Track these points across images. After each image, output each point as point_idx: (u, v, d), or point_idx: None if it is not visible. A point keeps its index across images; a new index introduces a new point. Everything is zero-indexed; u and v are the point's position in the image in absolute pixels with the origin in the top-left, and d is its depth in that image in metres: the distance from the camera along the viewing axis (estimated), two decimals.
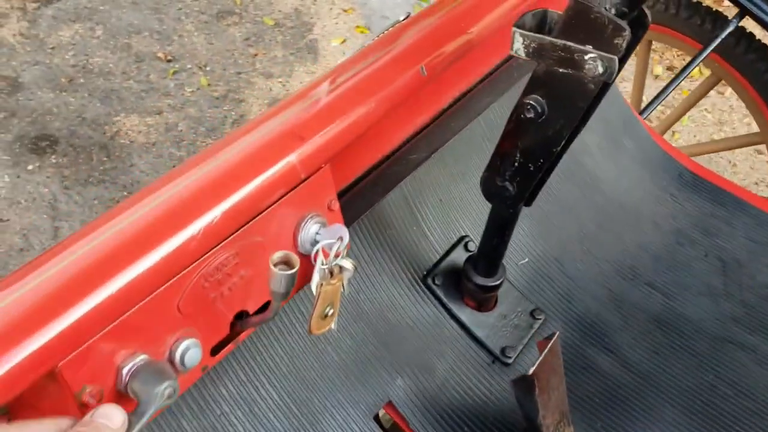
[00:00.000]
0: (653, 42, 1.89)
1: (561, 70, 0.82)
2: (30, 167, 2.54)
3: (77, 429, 0.52)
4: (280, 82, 3.01)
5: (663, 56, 3.22)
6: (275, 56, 3.14)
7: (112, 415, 0.54)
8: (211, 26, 3.25)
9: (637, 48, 1.90)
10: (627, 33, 0.75)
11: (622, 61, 0.80)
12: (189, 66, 3.04)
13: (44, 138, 2.64)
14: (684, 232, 1.35)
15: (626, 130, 1.46)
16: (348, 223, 1.05)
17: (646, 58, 1.88)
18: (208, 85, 2.96)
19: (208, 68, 3.04)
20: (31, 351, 0.55)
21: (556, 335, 0.96)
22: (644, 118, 1.67)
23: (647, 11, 0.84)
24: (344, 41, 3.25)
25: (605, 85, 0.82)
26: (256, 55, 3.13)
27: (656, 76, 3.09)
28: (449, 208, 1.20)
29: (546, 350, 0.94)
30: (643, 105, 1.80)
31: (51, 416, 0.54)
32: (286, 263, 0.66)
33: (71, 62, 2.98)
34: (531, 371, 0.91)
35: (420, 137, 1.13)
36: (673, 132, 2.88)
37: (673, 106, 2.73)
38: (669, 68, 3.17)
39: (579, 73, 0.80)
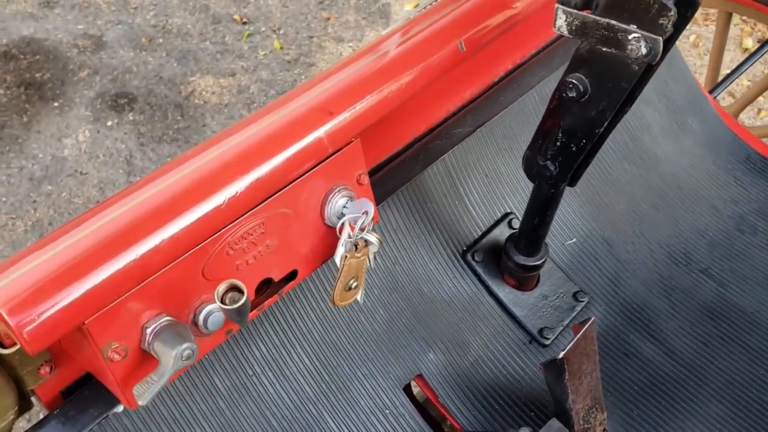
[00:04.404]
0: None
1: (604, 49, 0.79)
2: (109, 123, 2.65)
3: None
4: (351, 46, 3.01)
5: (755, 28, 3.03)
6: (347, 20, 3.14)
7: None
8: None
9: (717, 18, 1.80)
10: (673, 13, 0.71)
11: (669, 42, 0.76)
12: (263, 29, 3.08)
13: (123, 96, 2.75)
14: (746, 219, 1.29)
15: (692, 108, 1.39)
16: (388, 194, 1.06)
17: (724, 31, 1.77)
18: (281, 48, 2.99)
19: (281, 31, 3.07)
20: (59, 308, 0.59)
21: (591, 320, 0.94)
22: (716, 95, 1.59)
23: None
24: (417, 5, 3.21)
25: (650, 66, 0.79)
26: (328, 18, 3.14)
27: (745, 50, 2.91)
28: (495, 184, 1.18)
29: (579, 335, 0.93)
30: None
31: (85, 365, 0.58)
32: (236, 289, 0.65)
33: (152, 22, 3.07)
34: (561, 355, 0.90)
35: (467, 111, 1.12)
36: (759, 109, 2.72)
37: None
38: (761, 41, 2.98)
39: (622, 54, 0.77)
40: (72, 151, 2.54)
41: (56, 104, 2.69)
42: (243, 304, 0.63)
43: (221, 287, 0.63)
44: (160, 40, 2.99)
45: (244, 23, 3.09)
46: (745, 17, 2.89)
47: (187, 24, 3.07)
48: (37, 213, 2.37)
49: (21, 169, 2.47)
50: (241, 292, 0.64)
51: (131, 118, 2.68)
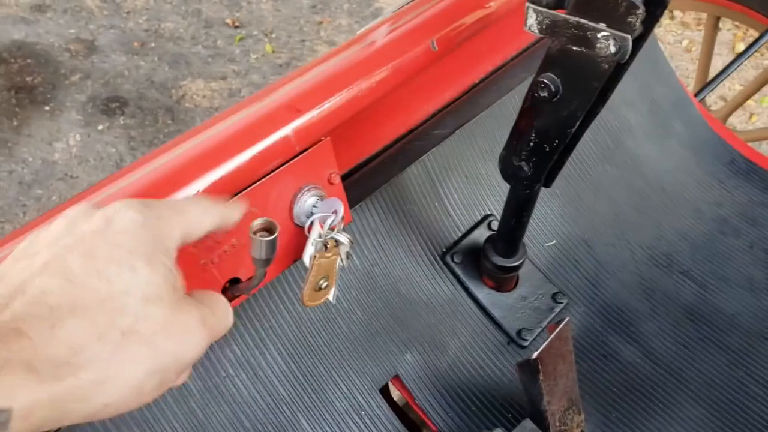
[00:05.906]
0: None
1: (574, 48, 0.79)
2: (100, 127, 2.65)
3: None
4: None
5: (748, 33, 3.03)
6: (340, 24, 3.14)
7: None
8: None
9: (704, 23, 1.80)
10: (641, 11, 0.71)
11: (639, 41, 0.76)
12: (255, 32, 3.08)
13: (115, 99, 2.75)
14: (729, 221, 1.28)
15: (676, 111, 1.39)
16: (366, 195, 1.05)
17: (712, 34, 1.77)
18: (273, 52, 2.99)
19: (273, 35, 3.08)
20: None
21: (565, 321, 0.93)
22: (702, 98, 1.59)
23: None
24: None
25: (620, 66, 0.79)
26: (321, 22, 3.14)
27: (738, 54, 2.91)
28: (475, 185, 1.18)
29: (553, 335, 0.93)
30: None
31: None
32: (267, 230, 0.66)
33: (144, 27, 3.07)
34: (535, 355, 0.90)
35: (446, 112, 1.11)
36: (751, 114, 2.72)
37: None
38: None
39: (592, 52, 0.77)
40: (62, 155, 2.54)
41: (47, 108, 2.69)
42: (274, 239, 0.63)
43: (257, 222, 0.63)
44: (152, 45, 2.99)
45: (237, 27, 3.10)
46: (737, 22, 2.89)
47: (180, 28, 3.07)
48: (27, 217, 2.36)
49: (10, 173, 2.47)
50: (271, 231, 0.63)
51: (122, 122, 2.68)
